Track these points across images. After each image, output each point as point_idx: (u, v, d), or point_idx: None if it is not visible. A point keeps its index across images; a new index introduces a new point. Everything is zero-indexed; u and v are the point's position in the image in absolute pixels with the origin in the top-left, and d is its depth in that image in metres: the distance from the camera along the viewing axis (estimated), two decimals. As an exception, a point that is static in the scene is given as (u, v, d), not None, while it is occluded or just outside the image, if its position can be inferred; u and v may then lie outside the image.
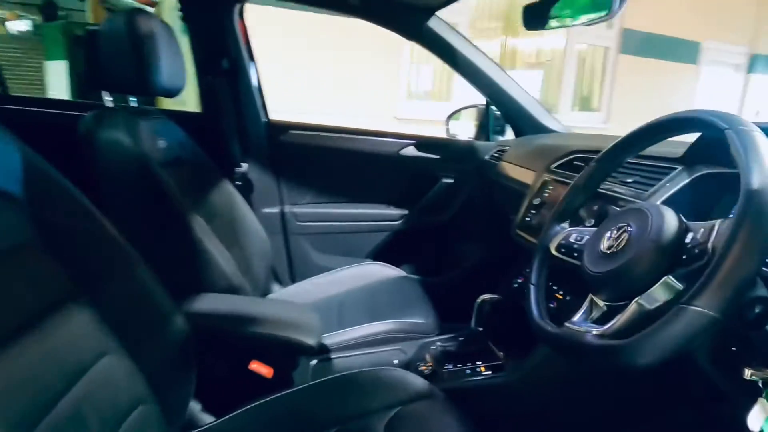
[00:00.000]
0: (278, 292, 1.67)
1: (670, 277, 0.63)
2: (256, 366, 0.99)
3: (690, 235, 0.62)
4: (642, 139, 0.79)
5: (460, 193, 1.85)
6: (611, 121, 5.57)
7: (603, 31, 5.35)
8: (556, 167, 1.28)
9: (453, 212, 1.85)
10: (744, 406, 0.63)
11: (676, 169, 0.94)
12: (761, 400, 0.61)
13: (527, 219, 1.25)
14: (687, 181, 0.91)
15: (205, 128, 1.54)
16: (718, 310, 0.53)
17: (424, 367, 1.16)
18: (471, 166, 1.83)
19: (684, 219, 0.67)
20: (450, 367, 1.17)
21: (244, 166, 1.70)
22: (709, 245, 0.57)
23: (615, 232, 0.72)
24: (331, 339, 1.28)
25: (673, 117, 0.72)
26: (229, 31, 1.57)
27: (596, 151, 1.22)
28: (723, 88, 6.57)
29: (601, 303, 0.73)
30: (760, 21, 6.41)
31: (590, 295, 0.75)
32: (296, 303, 1.41)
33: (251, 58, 1.70)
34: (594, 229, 0.81)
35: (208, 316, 1.02)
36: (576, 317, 0.74)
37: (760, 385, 0.62)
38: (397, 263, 1.78)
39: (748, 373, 0.63)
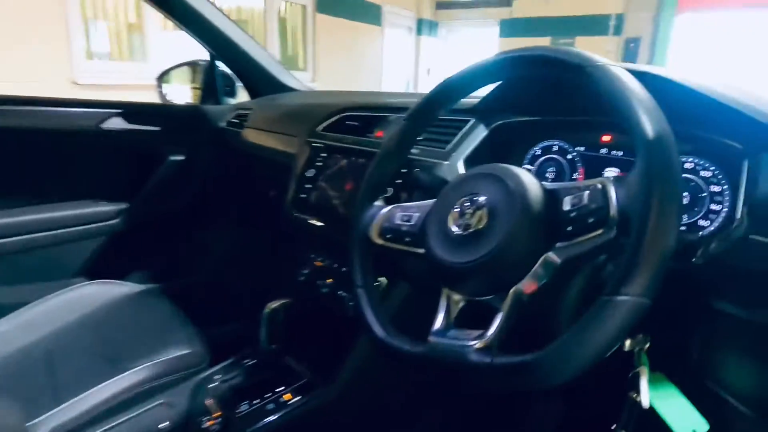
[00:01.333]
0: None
1: (551, 254, 0.50)
2: None
3: (568, 201, 0.50)
4: (464, 85, 0.64)
5: (196, 172, 1.48)
6: (318, 80, 5.70)
7: (299, -12, 5.33)
8: (323, 130, 1.08)
9: (191, 196, 1.47)
10: (622, 378, 0.58)
11: (469, 121, 0.85)
12: (642, 368, 0.56)
13: (302, 196, 1.03)
14: (486, 133, 0.83)
15: None
16: (650, 295, 0.42)
17: (211, 422, 0.84)
18: (204, 136, 1.48)
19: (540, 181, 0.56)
20: (245, 407, 0.88)
21: None
22: (613, 213, 0.46)
23: (467, 206, 0.56)
24: (47, 424, 0.83)
25: (507, 56, 0.58)
26: None
27: (367, 108, 1.08)
28: (402, 48, 7.48)
29: (457, 298, 0.58)
30: (421, -11, 7.47)
31: (445, 291, 0.58)
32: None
33: None
34: (423, 204, 0.64)
35: None
36: (437, 324, 0.56)
37: (637, 352, 0.57)
38: (123, 276, 1.33)
39: (627, 344, 0.57)
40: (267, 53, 1.55)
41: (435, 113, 0.68)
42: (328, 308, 0.95)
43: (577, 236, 0.48)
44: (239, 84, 1.61)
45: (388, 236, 0.65)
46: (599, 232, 0.47)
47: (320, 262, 1.01)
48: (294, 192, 1.05)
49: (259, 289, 1.11)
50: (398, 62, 7.40)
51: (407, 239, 0.63)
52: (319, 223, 0.99)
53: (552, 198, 0.52)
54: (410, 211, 0.65)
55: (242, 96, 1.63)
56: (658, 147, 0.44)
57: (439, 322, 0.56)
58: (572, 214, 0.49)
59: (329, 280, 0.97)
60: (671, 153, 0.44)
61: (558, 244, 0.50)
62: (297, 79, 1.60)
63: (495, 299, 0.54)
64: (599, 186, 0.48)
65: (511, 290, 0.51)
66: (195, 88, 1.64)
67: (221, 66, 1.56)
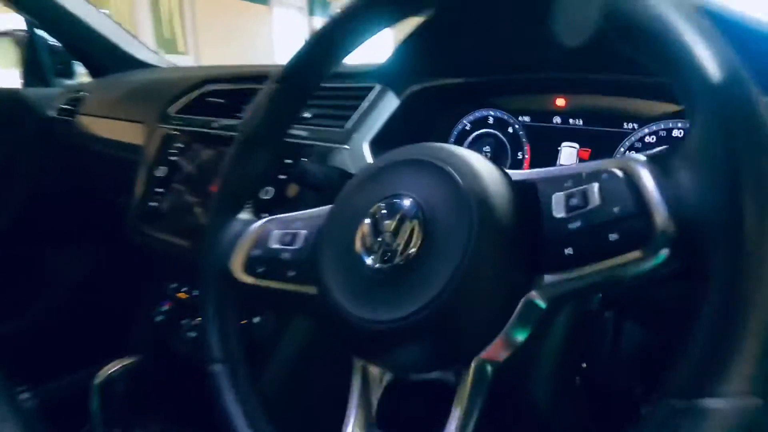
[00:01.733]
0: None
1: (534, 293, 0.29)
2: None
3: (560, 202, 0.29)
4: (365, 23, 0.40)
5: (16, 177, 1.11)
6: (202, 63, 5.19)
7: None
8: (177, 112, 0.81)
9: (9, 211, 1.10)
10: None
11: (374, 88, 0.62)
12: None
13: (153, 204, 0.75)
14: (398, 104, 0.60)
15: None
16: (764, 389, 0.21)
17: None
18: (26, 129, 1.12)
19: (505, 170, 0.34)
20: None
21: None
22: (662, 224, 0.25)
23: (384, 215, 0.32)
24: None
25: None
26: None
27: (233, 79, 0.81)
28: (293, 30, 7.08)
29: (378, 372, 0.35)
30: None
31: (358, 363, 0.35)
32: None
33: None
34: (313, 213, 0.40)
35: None
36: (350, 424, 0.33)
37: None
38: None
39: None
40: (110, 21, 1.21)
41: (322, 69, 0.43)
42: (196, 360, 0.68)
43: (587, 263, 0.27)
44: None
45: (260, 270, 0.40)
46: (635, 255, 0.25)
47: (184, 294, 0.73)
48: (141, 199, 0.77)
49: (102, 335, 0.81)
50: (292, 45, 7.01)
51: (290, 273, 0.38)
52: (177, 241, 0.71)
53: (530, 197, 0.31)
54: (293, 227, 0.40)
55: (82, 78, 1.28)
56: (739, 98, 0.23)
57: (352, 420, 0.33)
58: (572, 226, 0.28)
59: (197, 320, 0.70)
60: (758, 107, 0.24)
61: (547, 278, 0.29)
62: (154, 52, 1.27)
63: (447, 374, 0.32)
64: (619, 172, 0.27)
65: (473, 361, 0.30)
66: (19, 65, 1.27)
67: (48, 38, 1.20)
